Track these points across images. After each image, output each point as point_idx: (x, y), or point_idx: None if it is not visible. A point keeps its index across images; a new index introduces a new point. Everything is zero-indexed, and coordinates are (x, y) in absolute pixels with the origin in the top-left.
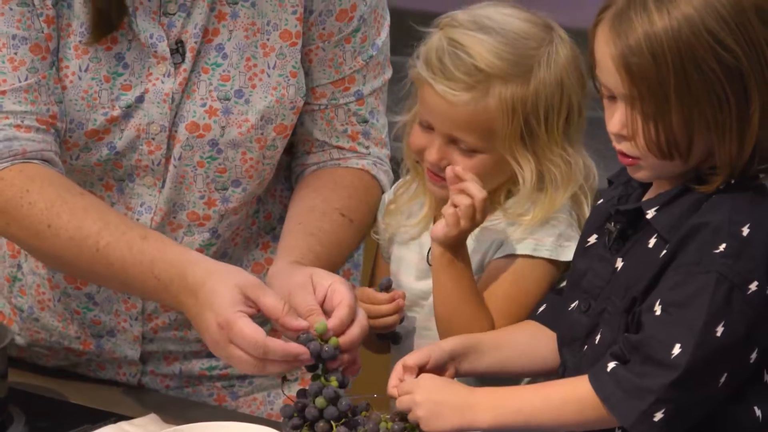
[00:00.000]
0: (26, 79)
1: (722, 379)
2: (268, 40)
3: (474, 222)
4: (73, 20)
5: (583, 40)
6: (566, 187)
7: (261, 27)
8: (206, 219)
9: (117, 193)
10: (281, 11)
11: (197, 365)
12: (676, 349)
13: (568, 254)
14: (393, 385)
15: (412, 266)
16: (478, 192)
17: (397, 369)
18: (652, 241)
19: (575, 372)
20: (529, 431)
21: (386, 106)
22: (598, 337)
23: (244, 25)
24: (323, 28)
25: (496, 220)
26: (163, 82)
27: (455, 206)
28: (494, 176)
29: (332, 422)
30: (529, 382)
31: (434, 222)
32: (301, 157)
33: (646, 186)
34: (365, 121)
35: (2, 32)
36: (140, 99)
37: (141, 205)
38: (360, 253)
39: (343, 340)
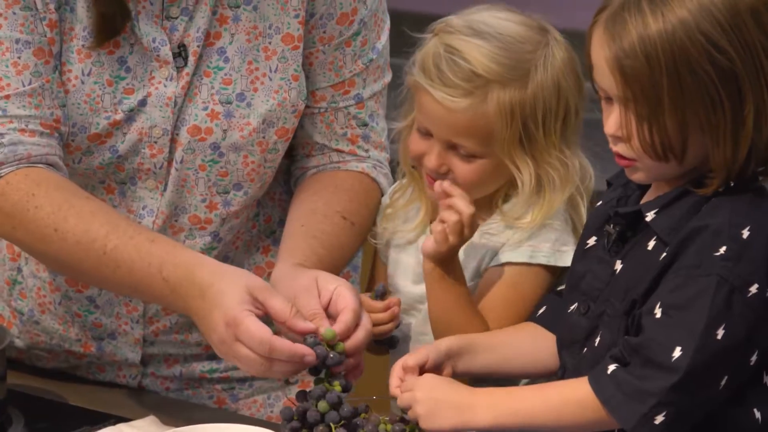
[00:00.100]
0: (30, 84)
1: (723, 382)
2: (270, 43)
3: (462, 237)
4: (76, 24)
5: (577, 41)
6: (564, 189)
7: (263, 30)
8: (208, 222)
9: (119, 197)
10: (283, 15)
11: (198, 368)
12: (677, 352)
13: (565, 259)
14: (395, 385)
15: (409, 270)
16: (465, 208)
17: (397, 370)
18: (651, 244)
19: (575, 374)
20: None
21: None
22: (597, 340)
23: (246, 28)
24: (324, 32)
25: (493, 224)
26: (165, 86)
27: (443, 222)
28: (493, 180)
29: (331, 424)
30: (527, 383)
31: (431, 224)
32: (300, 160)
33: (644, 188)
34: (365, 125)
35: (6, 36)
36: (143, 103)
37: (143, 209)
38: (359, 256)
39: (349, 344)
